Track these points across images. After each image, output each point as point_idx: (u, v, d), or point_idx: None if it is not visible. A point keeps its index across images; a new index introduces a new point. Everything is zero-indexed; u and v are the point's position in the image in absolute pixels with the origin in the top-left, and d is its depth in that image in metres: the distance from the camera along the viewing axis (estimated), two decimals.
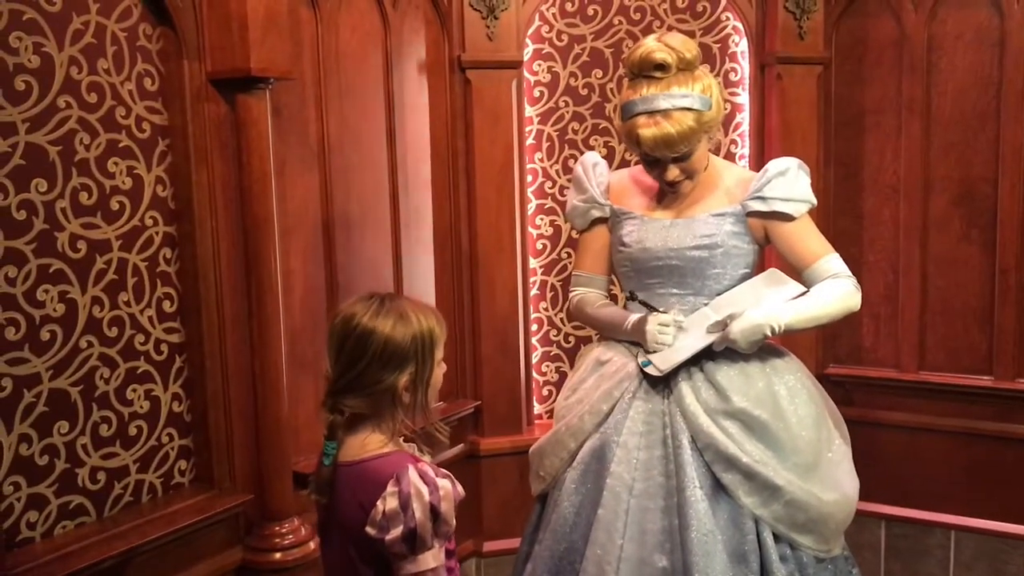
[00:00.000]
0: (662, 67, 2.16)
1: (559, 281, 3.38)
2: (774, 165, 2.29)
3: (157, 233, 2.29)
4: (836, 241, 3.36)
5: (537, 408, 3.42)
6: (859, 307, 2.28)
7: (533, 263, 3.37)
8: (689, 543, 2.09)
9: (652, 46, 2.19)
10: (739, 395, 2.18)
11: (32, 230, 2.01)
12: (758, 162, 3.34)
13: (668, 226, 2.31)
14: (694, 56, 2.20)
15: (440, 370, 1.75)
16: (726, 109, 3.34)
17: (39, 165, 2.02)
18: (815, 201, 2.30)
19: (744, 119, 3.39)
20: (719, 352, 2.22)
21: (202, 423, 2.40)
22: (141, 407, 2.27)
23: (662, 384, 2.25)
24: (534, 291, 3.37)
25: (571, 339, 3.41)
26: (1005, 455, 3.24)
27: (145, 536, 2.18)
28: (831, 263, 2.27)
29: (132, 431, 2.25)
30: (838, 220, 3.44)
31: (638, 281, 2.35)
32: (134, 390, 2.25)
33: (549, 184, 3.35)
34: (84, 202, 2.12)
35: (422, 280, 3.10)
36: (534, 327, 3.38)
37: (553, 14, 3.27)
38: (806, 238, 2.28)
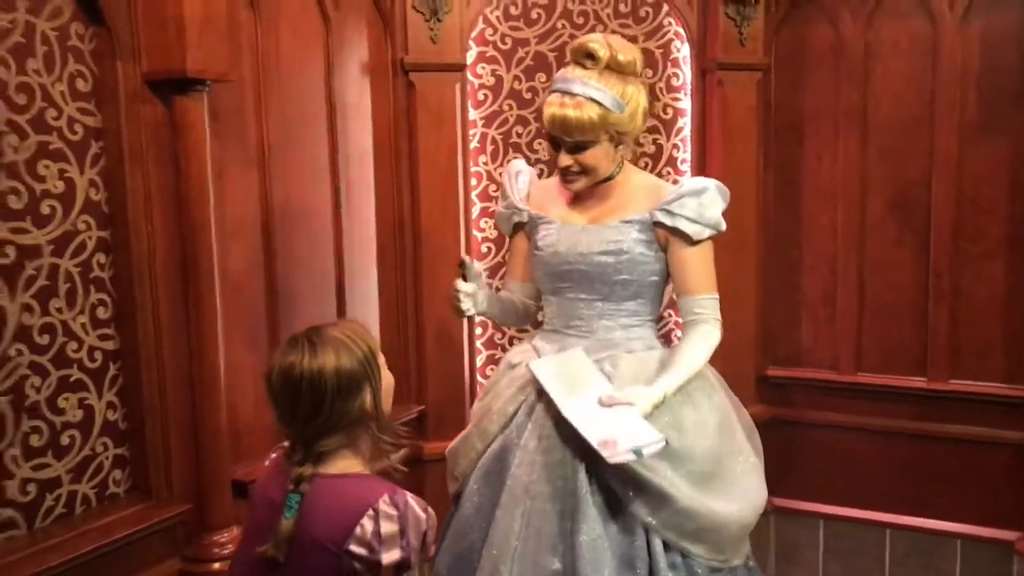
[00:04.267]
0: (592, 57, 2.19)
1: (503, 284, 3.37)
2: (691, 183, 2.27)
3: (90, 238, 2.24)
4: (775, 244, 3.46)
5: (477, 401, 3.40)
6: (718, 342, 2.27)
7: (478, 266, 3.35)
8: (578, 547, 2.09)
9: (592, 37, 2.23)
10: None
11: None
12: (699, 166, 3.38)
13: (580, 231, 2.31)
14: (627, 61, 2.21)
15: (387, 374, 1.75)
16: (662, 116, 3.38)
17: None
18: (723, 228, 2.27)
19: (686, 124, 3.42)
20: (623, 358, 2.25)
21: (138, 432, 2.34)
22: (74, 416, 2.21)
23: None
24: None
25: (516, 342, 3.40)
26: (938, 454, 3.32)
27: (79, 549, 2.13)
28: (704, 305, 2.26)
29: (65, 441, 2.19)
30: (777, 224, 3.50)
31: (551, 285, 2.37)
32: (67, 399, 2.19)
33: (493, 188, 3.34)
34: (13, 206, 2.06)
35: (365, 284, 3.07)
36: (479, 331, 3.37)
37: (497, 17, 3.27)
38: (696, 268, 2.26)
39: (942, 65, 3.23)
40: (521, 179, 2.46)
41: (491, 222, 3.35)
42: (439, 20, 3.11)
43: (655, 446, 2.02)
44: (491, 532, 2.17)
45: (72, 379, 2.21)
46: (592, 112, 2.15)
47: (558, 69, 3.25)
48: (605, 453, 1.98)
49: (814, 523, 3.49)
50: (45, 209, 2.13)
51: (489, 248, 3.36)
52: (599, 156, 2.22)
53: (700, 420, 2.21)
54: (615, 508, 2.14)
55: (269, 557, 1.64)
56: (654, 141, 3.39)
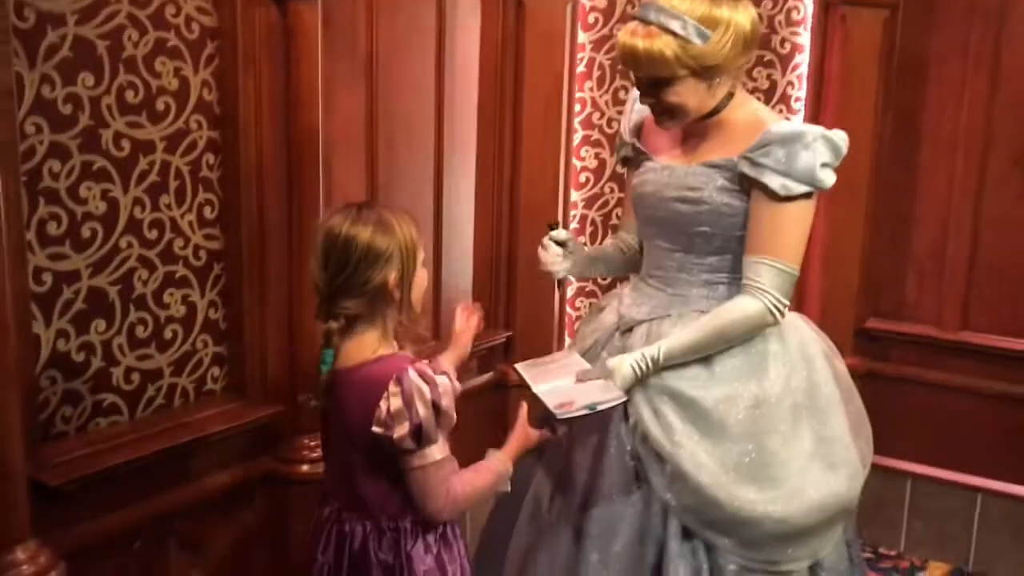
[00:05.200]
0: None
1: (600, 216, 3.33)
2: (781, 127, 1.93)
3: (201, 137, 2.26)
4: (886, 192, 3.31)
5: (568, 342, 3.39)
6: (763, 322, 1.97)
7: (575, 196, 3.31)
8: (596, 508, 1.99)
9: None
10: (680, 373, 1.98)
11: (77, 125, 1.99)
12: (814, 105, 3.25)
13: (671, 171, 2.05)
14: None
15: (423, 272, 1.85)
16: (779, 50, 3.24)
17: (87, 59, 1.99)
18: (824, 184, 1.91)
19: (803, 60, 3.28)
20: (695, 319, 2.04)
21: (237, 332, 2.39)
22: (177, 311, 2.27)
23: (626, 343, 2.11)
24: (573, 224, 3.32)
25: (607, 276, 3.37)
26: None
27: (176, 439, 2.20)
28: (761, 271, 1.93)
29: (167, 335, 2.25)
30: (890, 170, 3.33)
31: (642, 229, 2.17)
32: (171, 294, 2.25)
33: (597, 115, 3.27)
34: (130, 100, 2.08)
35: (462, 204, 3.05)
36: None
37: None
38: (771, 227, 1.92)
39: None
40: (637, 106, 2.20)
41: (592, 151, 3.29)
42: None
43: (613, 402, 1.88)
44: (537, 473, 2.14)
45: (177, 275, 2.26)
46: (663, 44, 1.85)
47: None
48: (559, 412, 1.85)
49: (901, 481, 3.39)
50: (160, 106, 2.15)
51: (588, 178, 3.31)
52: (682, 93, 1.92)
53: (763, 398, 1.95)
54: (641, 474, 2.00)
55: (322, 409, 1.91)
56: (768, 76, 3.27)
